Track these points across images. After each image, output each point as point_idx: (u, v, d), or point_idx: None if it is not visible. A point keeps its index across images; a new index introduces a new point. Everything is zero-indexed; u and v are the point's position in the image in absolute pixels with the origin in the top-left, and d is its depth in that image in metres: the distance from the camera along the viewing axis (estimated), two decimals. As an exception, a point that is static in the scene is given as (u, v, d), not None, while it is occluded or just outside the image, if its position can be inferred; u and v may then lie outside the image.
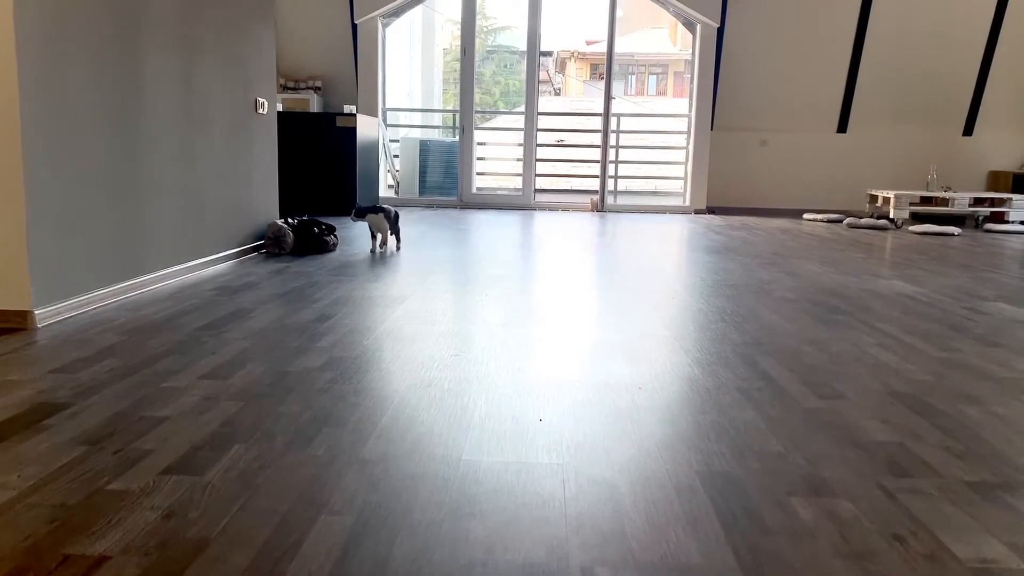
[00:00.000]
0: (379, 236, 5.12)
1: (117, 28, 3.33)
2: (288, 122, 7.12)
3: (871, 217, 8.11)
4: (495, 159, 10.37)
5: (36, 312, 2.85)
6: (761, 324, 3.20)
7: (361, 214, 5.05)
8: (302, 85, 8.92)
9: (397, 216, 5.20)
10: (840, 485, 1.65)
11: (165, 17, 3.71)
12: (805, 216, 8.64)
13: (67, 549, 1.32)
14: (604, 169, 9.07)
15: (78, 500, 1.49)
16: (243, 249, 4.69)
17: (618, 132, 9.30)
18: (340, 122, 7.50)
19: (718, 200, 9.36)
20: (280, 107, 7.42)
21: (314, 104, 8.78)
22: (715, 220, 8.21)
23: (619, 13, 8.92)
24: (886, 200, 8.06)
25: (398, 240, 5.26)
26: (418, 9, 9.70)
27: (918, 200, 7.99)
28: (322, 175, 7.46)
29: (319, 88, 8.97)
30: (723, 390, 2.30)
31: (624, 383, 2.34)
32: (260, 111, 4.90)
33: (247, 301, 3.41)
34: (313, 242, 4.95)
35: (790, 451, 1.83)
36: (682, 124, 9.34)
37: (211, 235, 4.29)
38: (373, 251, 5.05)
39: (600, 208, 9.04)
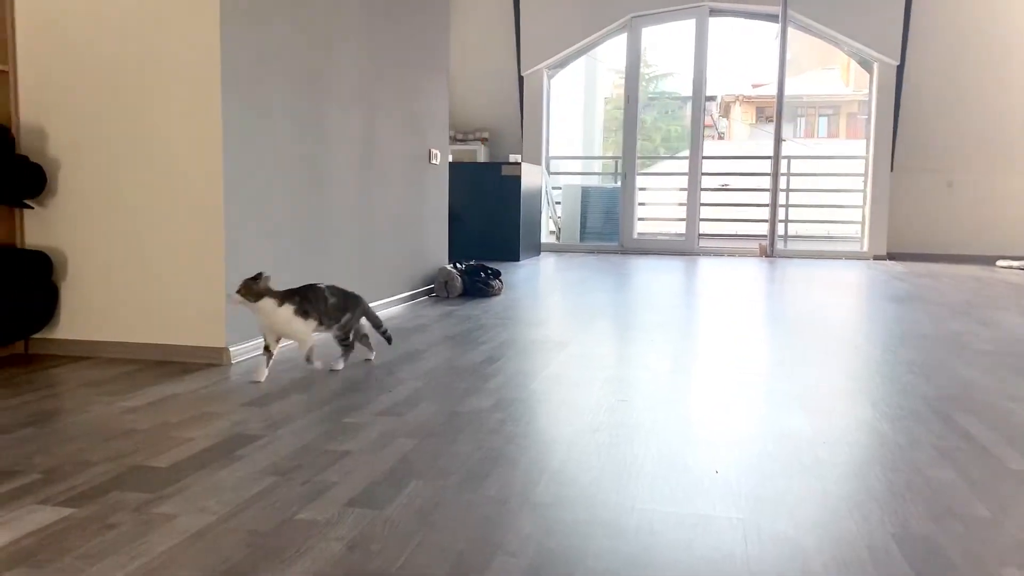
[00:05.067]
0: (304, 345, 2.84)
1: (309, 94, 3.59)
2: (457, 172, 7.41)
3: (1078, 263, 7.36)
4: (656, 204, 10.28)
5: (231, 349, 3.08)
6: (955, 378, 2.95)
7: (301, 300, 2.76)
8: (471, 137, 9.29)
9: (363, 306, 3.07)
10: (1063, 559, 1.47)
11: (350, 81, 3.97)
12: (999, 263, 7.97)
13: (261, 574, 1.39)
14: (774, 213, 8.78)
15: (270, 527, 1.58)
16: (415, 293, 4.88)
17: (788, 175, 9.00)
18: (505, 171, 7.72)
19: (899, 246, 8.81)
20: (451, 158, 7.73)
21: (481, 154, 9.10)
22: (896, 267, 7.72)
23: (788, 55, 8.70)
24: (1096, 244, 7.30)
25: (385, 334, 3.18)
26: (581, 59, 9.89)
27: None
28: (488, 222, 7.67)
29: (486, 139, 9.31)
30: (916, 447, 2.13)
31: (805, 436, 2.22)
32: (433, 162, 5.12)
33: (419, 342, 3.53)
34: (480, 287, 5.08)
35: (999, 516, 1.66)
36: (858, 166, 8.92)
37: (386, 280, 4.49)
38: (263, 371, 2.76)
39: (769, 253, 8.74)
